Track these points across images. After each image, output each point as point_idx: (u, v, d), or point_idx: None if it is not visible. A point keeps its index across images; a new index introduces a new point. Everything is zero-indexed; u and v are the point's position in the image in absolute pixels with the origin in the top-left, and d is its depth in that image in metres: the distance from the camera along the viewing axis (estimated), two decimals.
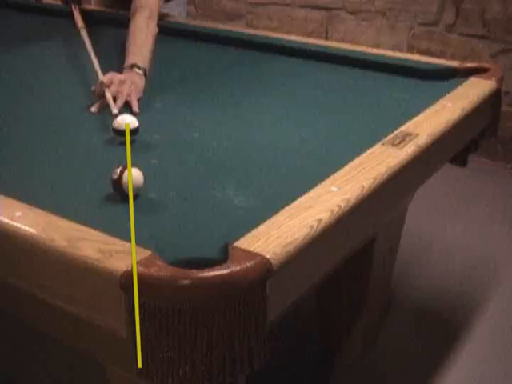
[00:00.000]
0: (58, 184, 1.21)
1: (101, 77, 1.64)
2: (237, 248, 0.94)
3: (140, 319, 0.88)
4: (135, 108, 1.57)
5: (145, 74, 1.69)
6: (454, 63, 1.87)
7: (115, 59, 1.83)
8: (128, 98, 1.59)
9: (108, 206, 1.13)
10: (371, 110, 1.62)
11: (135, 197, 1.13)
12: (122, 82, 1.61)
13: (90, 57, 1.78)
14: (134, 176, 1.13)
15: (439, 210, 2.75)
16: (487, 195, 2.92)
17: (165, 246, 0.95)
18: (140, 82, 1.66)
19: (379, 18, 3.44)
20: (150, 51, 1.77)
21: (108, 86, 1.59)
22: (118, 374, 1.08)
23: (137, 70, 1.68)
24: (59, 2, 2.46)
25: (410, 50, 3.37)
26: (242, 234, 0.97)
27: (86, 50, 1.84)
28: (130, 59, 1.71)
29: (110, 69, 1.67)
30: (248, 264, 0.89)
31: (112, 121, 1.40)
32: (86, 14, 2.20)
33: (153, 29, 1.86)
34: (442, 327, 2.05)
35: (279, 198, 1.10)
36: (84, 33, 1.98)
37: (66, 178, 1.24)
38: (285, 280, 0.97)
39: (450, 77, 1.80)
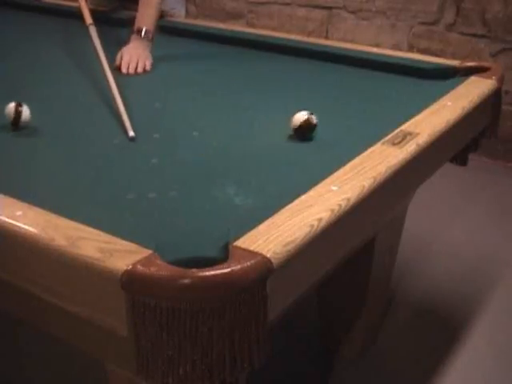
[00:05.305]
0: (58, 183, 1.21)
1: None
2: (237, 247, 0.94)
3: (140, 318, 0.88)
4: (147, 67, 1.94)
5: (150, 38, 2.01)
6: (455, 62, 1.87)
7: (115, 58, 1.83)
8: (139, 71, 1.92)
9: (108, 205, 1.13)
10: (371, 109, 1.62)
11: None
12: (132, 59, 1.92)
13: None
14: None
15: (439, 210, 2.75)
16: (487, 194, 2.92)
17: (165, 246, 0.95)
18: (144, 51, 1.97)
19: (379, 17, 3.44)
20: (156, 17, 2.09)
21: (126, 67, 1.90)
22: (118, 373, 1.08)
23: (142, 34, 2.00)
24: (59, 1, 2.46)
25: (411, 49, 3.37)
26: (243, 233, 0.97)
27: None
28: (139, 23, 2.03)
29: (112, 68, 1.70)
30: (248, 263, 0.89)
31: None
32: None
33: None
34: (442, 327, 2.05)
35: (280, 197, 1.09)
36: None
37: (66, 177, 1.24)
38: (285, 279, 0.97)
39: (450, 76, 1.80)
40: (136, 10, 2.14)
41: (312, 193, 1.12)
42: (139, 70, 1.93)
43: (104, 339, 1.00)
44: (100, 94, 1.66)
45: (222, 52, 2.10)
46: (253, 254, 0.92)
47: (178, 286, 0.86)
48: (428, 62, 1.89)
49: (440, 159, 1.56)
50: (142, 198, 1.14)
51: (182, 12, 2.61)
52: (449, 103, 1.56)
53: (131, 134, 1.41)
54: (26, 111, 1.42)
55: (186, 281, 0.86)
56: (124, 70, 1.91)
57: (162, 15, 2.33)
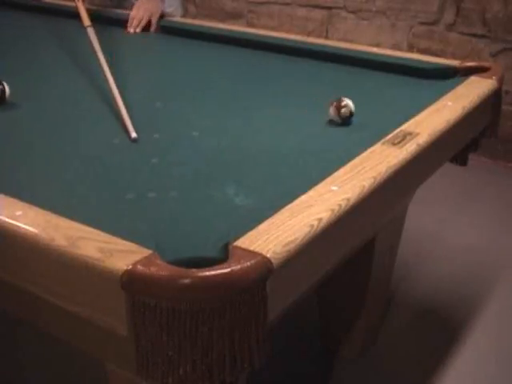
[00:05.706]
0: (58, 182, 1.21)
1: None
2: (237, 247, 0.94)
3: (140, 318, 0.88)
4: (152, 29, 2.28)
5: None
6: (455, 62, 1.87)
7: (114, 58, 1.83)
8: (137, 30, 2.22)
9: (108, 205, 1.12)
10: (372, 109, 1.62)
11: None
12: (139, 14, 2.25)
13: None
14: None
15: (439, 210, 2.75)
16: (487, 194, 2.92)
17: (165, 246, 0.95)
18: (154, 6, 2.27)
19: (379, 17, 3.44)
20: None
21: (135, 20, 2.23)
22: (118, 373, 1.08)
23: None
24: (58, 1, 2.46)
25: (410, 49, 3.37)
26: (243, 233, 0.97)
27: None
28: None
29: (111, 68, 1.69)
30: (248, 263, 0.89)
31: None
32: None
33: None
34: (442, 327, 2.05)
35: (280, 197, 1.09)
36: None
37: (66, 177, 1.24)
38: (285, 279, 0.97)
39: (450, 76, 1.80)
40: None
41: (312, 193, 1.12)
42: (138, 30, 2.25)
43: (104, 339, 1.00)
44: (100, 93, 1.66)
45: (222, 52, 2.09)
46: (253, 254, 0.92)
47: (178, 286, 0.86)
48: (428, 62, 1.88)
49: (440, 159, 1.56)
50: (141, 197, 1.14)
51: (179, 11, 2.62)
52: (449, 103, 1.56)
53: (134, 135, 1.40)
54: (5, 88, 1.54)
55: (186, 281, 0.85)
56: (128, 29, 2.26)
57: (162, 15, 2.34)
